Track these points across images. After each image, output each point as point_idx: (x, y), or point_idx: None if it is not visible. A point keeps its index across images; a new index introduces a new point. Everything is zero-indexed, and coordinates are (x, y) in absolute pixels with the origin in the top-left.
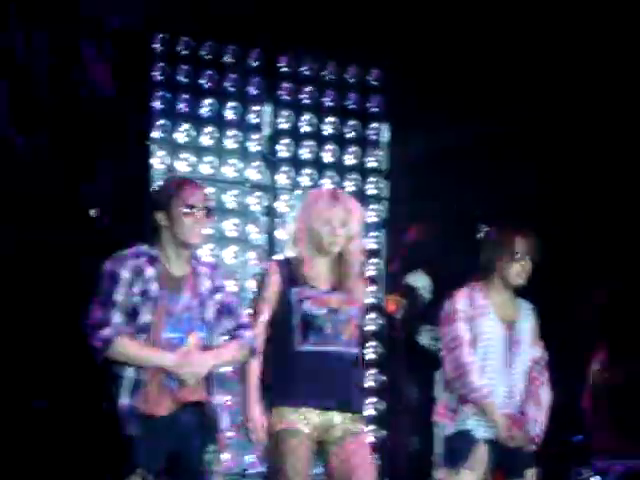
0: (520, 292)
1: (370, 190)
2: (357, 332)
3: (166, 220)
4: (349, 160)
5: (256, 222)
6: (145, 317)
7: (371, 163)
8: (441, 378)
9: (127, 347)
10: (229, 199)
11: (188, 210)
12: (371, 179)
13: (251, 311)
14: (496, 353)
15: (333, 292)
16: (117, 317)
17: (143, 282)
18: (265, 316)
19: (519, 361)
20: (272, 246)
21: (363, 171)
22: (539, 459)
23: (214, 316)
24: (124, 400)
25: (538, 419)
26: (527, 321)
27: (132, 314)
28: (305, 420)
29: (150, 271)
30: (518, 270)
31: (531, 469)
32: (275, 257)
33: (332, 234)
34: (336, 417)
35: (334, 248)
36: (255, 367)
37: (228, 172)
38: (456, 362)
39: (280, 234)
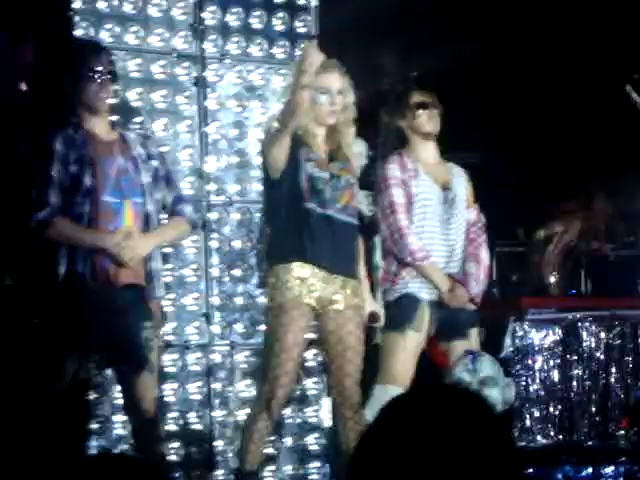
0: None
1: (299, 55)
2: (354, 201)
3: (72, 85)
4: (278, 26)
5: (185, 93)
6: (87, 181)
7: (300, 29)
8: (379, 244)
9: (65, 229)
10: (157, 70)
11: (92, 75)
12: (301, 46)
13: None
14: (433, 214)
15: (331, 160)
16: (54, 197)
17: (76, 149)
18: None
19: (456, 221)
20: (203, 117)
21: (292, 37)
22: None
23: (150, 182)
24: (78, 272)
25: (478, 278)
26: (461, 183)
27: (73, 184)
28: (308, 291)
29: (79, 138)
30: (425, 119)
31: (475, 328)
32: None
33: (331, 103)
34: (335, 287)
35: (332, 118)
36: None
37: (154, 42)
38: (393, 227)
39: (211, 104)
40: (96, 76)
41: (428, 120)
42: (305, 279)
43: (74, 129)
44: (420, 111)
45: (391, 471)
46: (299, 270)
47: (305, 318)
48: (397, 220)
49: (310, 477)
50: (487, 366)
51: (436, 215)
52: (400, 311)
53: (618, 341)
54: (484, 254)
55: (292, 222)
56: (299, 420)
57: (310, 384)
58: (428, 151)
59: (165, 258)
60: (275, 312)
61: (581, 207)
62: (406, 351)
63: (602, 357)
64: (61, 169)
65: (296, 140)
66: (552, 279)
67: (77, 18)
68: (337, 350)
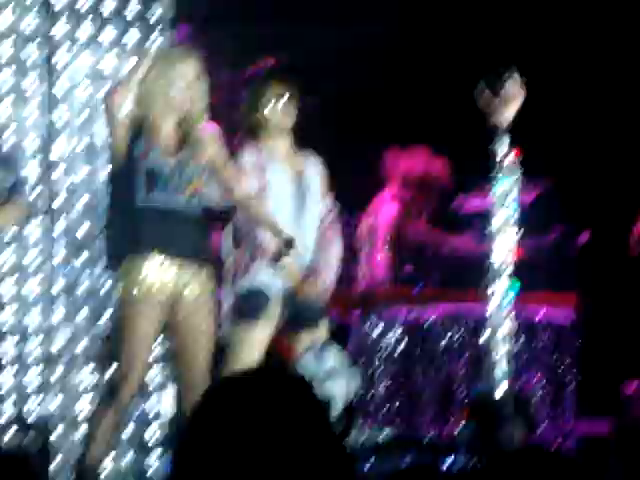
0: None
1: (154, 44)
2: (201, 188)
3: None
4: (131, 12)
5: (33, 76)
6: None
7: (155, 16)
8: (229, 236)
9: None
10: (5, 51)
11: None
12: (155, 30)
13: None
14: (285, 204)
15: (181, 149)
16: None
17: None
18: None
19: (310, 211)
20: (51, 100)
21: (147, 22)
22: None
23: None
24: None
25: (331, 267)
26: (315, 172)
27: None
28: (161, 281)
29: None
30: (282, 112)
31: (324, 319)
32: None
33: (187, 90)
34: (188, 274)
35: (187, 105)
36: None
37: (1, 22)
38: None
39: (58, 89)
40: None
41: (283, 114)
42: (155, 270)
43: None
44: (276, 104)
45: (209, 457)
46: (147, 262)
47: (157, 310)
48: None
49: (150, 467)
50: (333, 357)
51: (289, 205)
52: (250, 302)
53: (461, 336)
54: (336, 246)
55: (132, 218)
56: (140, 410)
57: (153, 373)
58: (281, 142)
59: (7, 241)
60: (126, 304)
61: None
62: (254, 343)
63: (444, 351)
64: None
65: (136, 131)
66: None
67: None
68: (191, 337)
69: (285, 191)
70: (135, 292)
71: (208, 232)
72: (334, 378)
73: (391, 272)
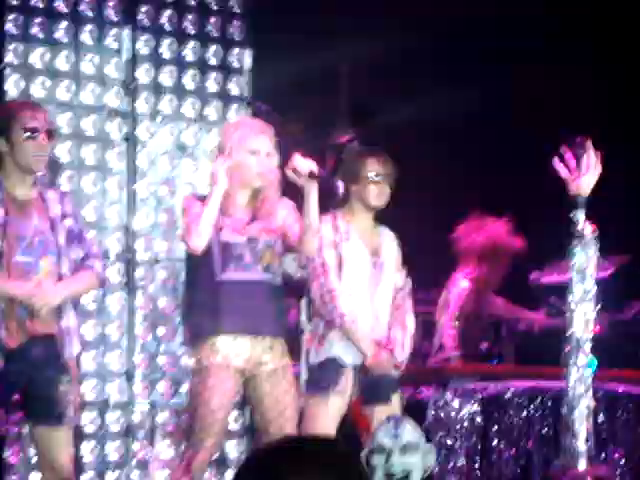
0: (383, 221)
1: (233, 118)
2: (277, 259)
3: (6, 146)
4: (211, 87)
5: (115, 149)
6: None
7: (233, 90)
8: (306, 306)
9: None
10: (87, 126)
11: (29, 134)
12: (233, 106)
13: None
14: (361, 278)
15: (253, 221)
16: None
17: None
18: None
19: (384, 287)
20: (132, 174)
21: (225, 98)
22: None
23: (65, 242)
24: None
25: (404, 344)
26: (391, 248)
27: None
28: (236, 353)
29: None
30: (374, 192)
31: (397, 393)
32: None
33: (260, 165)
34: (263, 347)
35: (260, 180)
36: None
37: (86, 98)
38: (322, 289)
39: (140, 162)
40: (33, 135)
41: (377, 194)
42: (229, 344)
43: None
44: (371, 184)
45: None
46: (222, 337)
47: (232, 381)
48: (328, 282)
49: None
50: (409, 432)
51: (364, 280)
52: (324, 375)
53: (539, 412)
54: (409, 320)
55: (209, 294)
56: None
57: (230, 447)
58: (364, 218)
59: (88, 314)
60: (201, 374)
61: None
62: (328, 415)
63: (523, 428)
64: None
65: None
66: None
67: (8, 71)
68: (276, 410)
69: (361, 265)
70: (208, 364)
71: (284, 305)
72: (410, 453)
73: (461, 347)
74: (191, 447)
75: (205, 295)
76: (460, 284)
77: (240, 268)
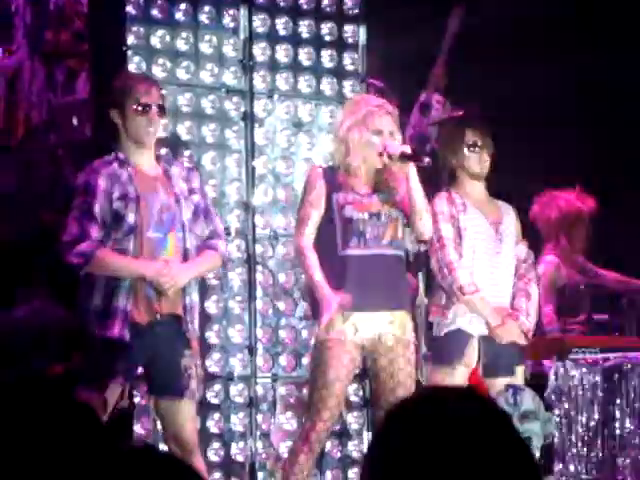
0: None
1: (348, 94)
2: (400, 233)
3: (119, 118)
4: (326, 63)
5: (234, 127)
6: (130, 219)
7: (348, 66)
8: (424, 279)
9: (108, 259)
10: (207, 104)
11: (141, 108)
12: (349, 82)
13: (298, 215)
14: (482, 248)
15: (374, 195)
16: (95, 231)
17: (121, 185)
18: (313, 219)
19: (505, 256)
20: (250, 151)
21: (340, 74)
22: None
23: (191, 217)
24: (120, 303)
25: (529, 312)
26: (510, 219)
27: (116, 221)
28: (354, 330)
29: (124, 174)
30: (475, 161)
31: (521, 366)
32: (317, 165)
33: (384, 145)
34: (383, 322)
35: (383, 159)
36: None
37: (205, 77)
38: (442, 261)
39: (258, 139)
40: (145, 109)
41: (478, 162)
42: (350, 321)
43: (120, 164)
44: (470, 152)
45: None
46: (341, 316)
47: (350, 355)
48: (446, 254)
49: None
50: (527, 400)
51: (485, 249)
52: (450, 346)
53: None
54: (534, 290)
55: (331, 270)
56: (340, 454)
57: (351, 418)
58: (476, 189)
59: (211, 289)
60: (319, 348)
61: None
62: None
63: None
64: (105, 205)
65: (333, 183)
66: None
67: (130, 53)
68: (388, 386)
69: (481, 235)
70: (327, 338)
71: (405, 278)
72: (529, 421)
73: (564, 320)
74: (309, 419)
75: (327, 270)
76: (546, 259)
77: (362, 244)
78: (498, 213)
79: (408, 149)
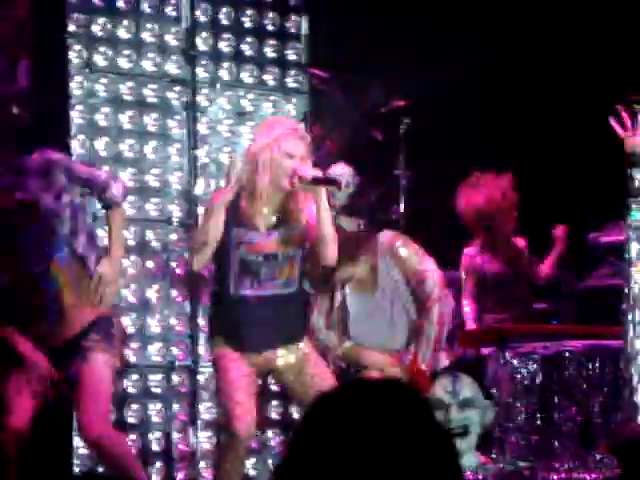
0: None
1: (291, 84)
2: (296, 271)
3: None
4: (269, 53)
5: (176, 117)
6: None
7: (291, 56)
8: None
9: None
10: (149, 93)
11: None
12: (291, 72)
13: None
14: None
15: (274, 233)
16: None
17: None
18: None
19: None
20: (192, 140)
21: (283, 64)
22: None
23: (69, 217)
24: None
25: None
26: None
27: None
28: (247, 358)
29: None
30: None
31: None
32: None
33: (294, 168)
34: (279, 352)
35: (292, 183)
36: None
37: (147, 66)
38: None
39: (201, 128)
40: None
41: None
42: (243, 356)
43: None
44: None
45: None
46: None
47: (247, 361)
48: None
49: None
50: (467, 388)
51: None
52: None
53: (598, 370)
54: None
55: (224, 308)
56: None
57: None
58: None
59: (152, 279)
60: (215, 359)
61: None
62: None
63: (582, 386)
64: None
65: (233, 216)
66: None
67: (71, 41)
68: (312, 393)
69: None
70: (223, 355)
71: (302, 311)
72: (469, 409)
73: (511, 310)
74: (225, 418)
75: (222, 309)
76: (469, 251)
77: (257, 284)
78: None
79: (319, 173)
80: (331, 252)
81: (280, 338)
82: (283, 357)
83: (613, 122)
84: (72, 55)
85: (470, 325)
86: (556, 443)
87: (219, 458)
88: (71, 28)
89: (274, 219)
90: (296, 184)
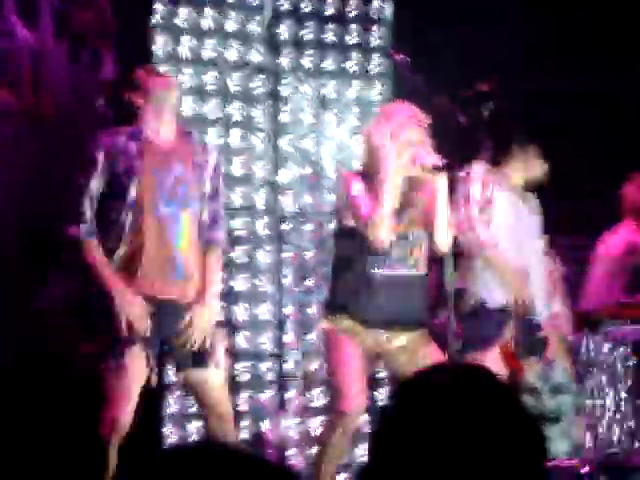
0: None
1: (373, 68)
2: (425, 253)
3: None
4: (351, 40)
5: (259, 105)
6: (132, 194)
7: (374, 42)
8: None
9: (89, 254)
10: (232, 83)
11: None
12: (374, 58)
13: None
14: (507, 219)
15: (401, 214)
16: (89, 211)
17: (126, 159)
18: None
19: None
20: (276, 129)
21: (365, 50)
22: None
23: (209, 191)
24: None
25: (564, 315)
26: (534, 214)
27: (116, 196)
28: (368, 334)
29: (133, 147)
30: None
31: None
32: (348, 171)
33: (415, 155)
34: (400, 334)
35: (413, 170)
36: None
37: (230, 55)
38: (462, 218)
39: (284, 117)
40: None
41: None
42: (360, 333)
43: (129, 136)
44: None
45: (410, 454)
46: (354, 326)
47: (357, 339)
48: (468, 211)
49: None
50: (559, 373)
51: (509, 220)
52: (481, 327)
53: None
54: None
55: (354, 285)
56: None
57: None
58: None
59: (240, 268)
60: (327, 337)
61: None
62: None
63: None
64: (102, 182)
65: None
66: None
67: (155, 31)
68: (413, 365)
69: (506, 210)
70: (333, 332)
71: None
72: (561, 394)
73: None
74: (335, 400)
75: (351, 284)
76: (627, 237)
77: (387, 265)
78: (522, 202)
79: (439, 160)
80: (444, 239)
81: (404, 321)
82: (401, 339)
83: None
84: (156, 46)
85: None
86: None
87: (326, 437)
88: (155, 19)
89: (400, 201)
90: (417, 170)
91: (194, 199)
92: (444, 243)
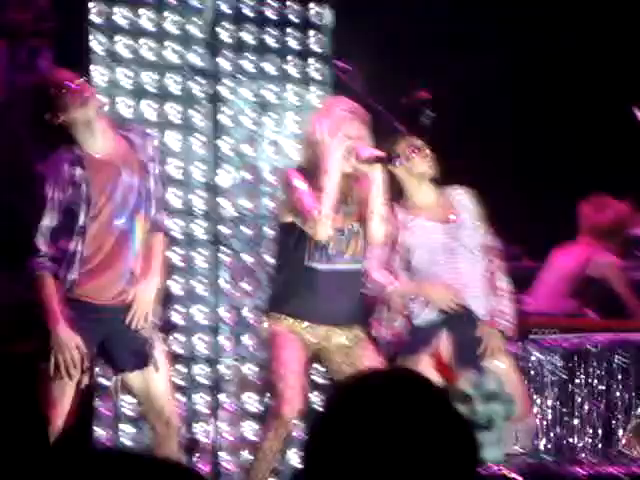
0: None
1: (313, 73)
2: (362, 246)
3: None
4: (291, 44)
5: (199, 107)
6: (80, 220)
7: (314, 47)
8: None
9: (41, 289)
10: (171, 84)
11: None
12: (314, 63)
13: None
14: (435, 253)
15: (339, 208)
16: (44, 247)
17: (74, 188)
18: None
19: (463, 251)
20: (215, 131)
21: (306, 55)
22: None
23: (154, 186)
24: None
25: (504, 310)
26: (465, 208)
27: (69, 222)
28: (308, 330)
29: (77, 172)
30: (419, 162)
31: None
32: (290, 167)
33: (352, 147)
34: (338, 334)
35: (349, 165)
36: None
37: (169, 57)
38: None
39: (223, 119)
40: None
41: (424, 161)
42: (302, 329)
43: (69, 164)
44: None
45: (344, 460)
46: (294, 324)
47: (301, 339)
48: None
49: None
50: (492, 381)
51: (438, 254)
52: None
53: (622, 364)
54: (502, 283)
55: (294, 279)
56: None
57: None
58: (424, 192)
59: (176, 271)
60: (270, 337)
61: None
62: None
63: (605, 378)
64: (54, 214)
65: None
66: None
67: (93, 31)
68: (348, 367)
69: (432, 241)
70: (277, 331)
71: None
72: (493, 402)
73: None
74: (274, 401)
75: (291, 278)
76: (580, 253)
77: (325, 259)
78: (450, 207)
79: (376, 152)
80: (378, 229)
81: (343, 315)
82: (340, 335)
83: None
84: (94, 45)
85: None
86: (577, 437)
87: (262, 440)
88: (93, 18)
89: (339, 195)
90: (354, 163)
91: (143, 199)
92: (379, 234)
